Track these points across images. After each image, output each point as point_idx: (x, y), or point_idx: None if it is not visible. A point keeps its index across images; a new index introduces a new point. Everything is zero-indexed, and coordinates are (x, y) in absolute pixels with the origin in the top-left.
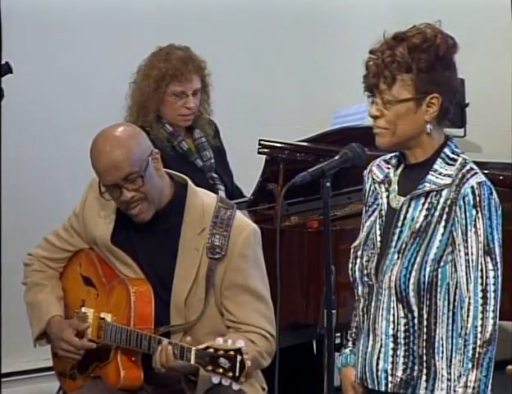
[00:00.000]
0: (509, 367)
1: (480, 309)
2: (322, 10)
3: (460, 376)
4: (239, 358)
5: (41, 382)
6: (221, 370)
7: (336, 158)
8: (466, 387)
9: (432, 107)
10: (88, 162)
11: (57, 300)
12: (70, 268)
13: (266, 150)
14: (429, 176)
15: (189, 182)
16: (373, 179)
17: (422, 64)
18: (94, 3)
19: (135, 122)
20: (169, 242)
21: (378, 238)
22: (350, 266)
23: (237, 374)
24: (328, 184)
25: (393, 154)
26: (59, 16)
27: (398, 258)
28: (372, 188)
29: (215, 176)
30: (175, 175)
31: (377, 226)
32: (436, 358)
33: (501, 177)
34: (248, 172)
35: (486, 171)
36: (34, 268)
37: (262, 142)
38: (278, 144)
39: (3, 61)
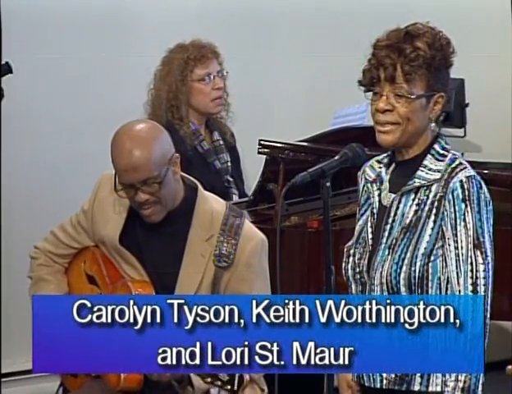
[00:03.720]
0: (509, 367)
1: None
2: (323, 9)
3: None
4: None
5: (41, 382)
6: (219, 383)
7: (336, 158)
8: (457, 380)
9: (438, 106)
10: (88, 161)
11: None
12: (75, 265)
13: (266, 150)
14: (419, 172)
15: (200, 186)
16: (366, 179)
17: (436, 62)
18: (94, 3)
19: (163, 122)
20: (175, 246)
21: (370, 235)
22: (343, 265)
23: (235, 388)
24: (328, 184)
25: (385, 154)
26: (59, 15)
27: (389, 253)
28: (365, 188)
29: (230, 179)
30: (186, 178)
31: (369, 224)
32: None
33: (501, 177)
34: (248, 172)
35: (485, 171)
36: (40, 263)
37: (262, 142)
38: (278, 144)
39: (3, 61)
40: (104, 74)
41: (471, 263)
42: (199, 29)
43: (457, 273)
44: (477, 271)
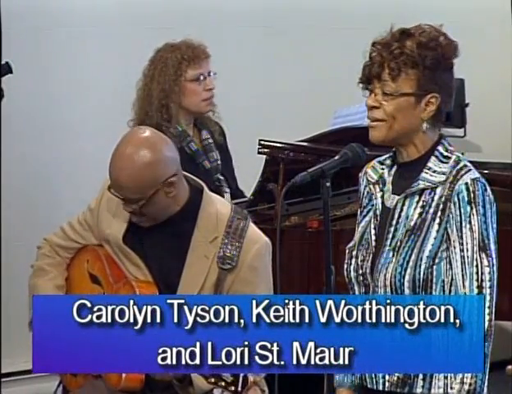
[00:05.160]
0: (509, 367)
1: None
2: (323, 9)
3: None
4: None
5: (41, 382)
6: (223, 383)
7: (336, 158)
8: (462, 383)
9: (430, 106)
10: (88, 162)
11: (55, 288)
12: (77, 264)
13: (266, 150)
14: (423, 174)
15: (205, 188)
16: (368, 180)
17: (428, 62)
18: (94, 4)
19: (153, 122)
20: (179, 246)
21: (373, 237)
22: (346, 266)
23: (239, 389)
24: (328, 184)
25: (387, 155)
26: (59, 16)
27: (393, 256)
28: (367, 189)
29: (221, 178)
30: (191, 179)
31: (372, 226)
32: None
33: (501, 177)
34: (248, 172)
35: (486, 171)
36: (44, 252)
37: (262, 142)
38: (278, 144)
39: (3, 61)
40: (104, 74)
41: (476, 266)
42: (199, 29)
43: (462, 276)
44: (482, 273)
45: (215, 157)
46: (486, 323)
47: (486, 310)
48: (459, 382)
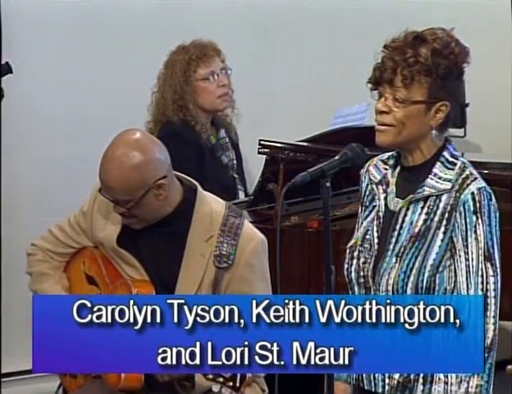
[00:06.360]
0: (509, 367)
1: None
2: (320, 10)
3: (461, 382)
4: None
5: (41, 382)
6: (221, 379)
7: (336, 158)
8: (467, 392)
9: (440, 114)
10: (89, 161)
11: (63, 290)
12: (73, 266)
13: (266, 150)
14: (428, 180)
15: (199, 187)
16: (370, 179)
17: (441, 70)
18: (94, 3)
19: (174, 120)
20: (175, 246)
21: (376, 240)
22: (346, 266)
23: (237, 384)
24: (328, 184)
25: (390, 154)
26: (59, 15)
27: (396, 261)
28: (370, 188)
29: (236, 176)
30: (184, 179)
31: (375, 228)
32: None
33: (501, 177)
34: (248, 172)
35: (485, 171)
36: (39, 258)
37: (262, 142)
38: (278, 144)
39: (3, 61)
40: (104, 73)
41: (481, 276)
42: (200, 29)
43: (467, 285)
44: (487, 283)
45: (231, 156)
46: (491, 333)
47: (491, 320)
48: (463, 391)
